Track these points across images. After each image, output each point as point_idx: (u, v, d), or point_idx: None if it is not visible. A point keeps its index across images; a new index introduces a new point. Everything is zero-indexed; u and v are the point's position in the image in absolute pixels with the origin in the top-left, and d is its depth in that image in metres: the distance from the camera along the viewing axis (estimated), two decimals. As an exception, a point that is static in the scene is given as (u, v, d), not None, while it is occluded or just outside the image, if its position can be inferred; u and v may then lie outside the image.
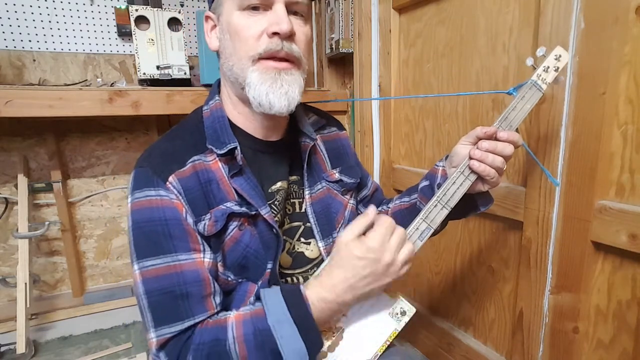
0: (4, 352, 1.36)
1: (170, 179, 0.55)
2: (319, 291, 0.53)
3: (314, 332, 0.52)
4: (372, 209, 0.57)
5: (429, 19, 1.15)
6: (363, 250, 0.53)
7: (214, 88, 0.68)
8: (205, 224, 0.56)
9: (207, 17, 0.64)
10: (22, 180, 1.50)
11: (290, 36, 0.56)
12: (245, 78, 0.57)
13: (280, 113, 0.57)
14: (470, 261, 1.13)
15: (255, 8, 0.56)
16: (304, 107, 0.76)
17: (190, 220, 0.55)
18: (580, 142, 0.77)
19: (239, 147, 0.59)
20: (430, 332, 1.29)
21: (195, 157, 0.59)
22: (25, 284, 1.40)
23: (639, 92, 0.70)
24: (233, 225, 0.59)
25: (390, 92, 1.33)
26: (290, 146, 0.69)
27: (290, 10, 0.57)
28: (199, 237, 0.56)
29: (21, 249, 1.44)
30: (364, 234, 0.55)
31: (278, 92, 0.56)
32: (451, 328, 1.22)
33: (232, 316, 0.54)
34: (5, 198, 1.55)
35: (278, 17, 0.55)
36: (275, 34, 0.55)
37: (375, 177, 1.46)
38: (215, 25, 0.63)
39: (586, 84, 0.75)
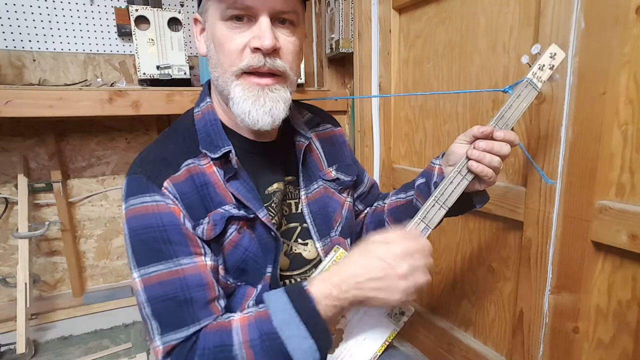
0: (4, 352, 1.36)
1: (166, 184, 0.54)
2: (324, 286, 0.51)
3: (322, 327, 0.49)
4: (418, 231, 0.59)
5: (429, 19, 1.15)
6: (384, 252, 0.52)
7: (205, 89, 0.66)
8: (203, 228, 0.55)
9: (196, 20, 0.61)
10: (22, 180, 1.50)
11: (274, 51, 0.54)
12: (229, 92, 0.56)
13: (264, 129, 0.57)
14: (471, 261, 1.13)
15: (239, 18, 0.54)
16: (297, 106, 0.75)
17: (188, 224, 0.54)
18: (580, 142, 0.77)
19: (233, 151, 0.58)
20: (430, 332, 1.29)
21: (189, 161, 0.57)
22: (25, 284, 1.40)
23: (639, 92, 0.70)
24: (232, 228, 0.58)
25: (390, 92, 1.33)
26: (284, 146, 0.68)
27: (277, 19, 0.54)
28: (199, 241, 0.55)
29: (21, 249, 1.44)
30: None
31: (261, 110, 0.55)
32: (451, 328, 1.22)
33: (236, 319, 0.52)
34: (5, 198, 1.55)
35: (260, 31, 0.52)
36: (257, 49, 0.53)
37: (375, 177, 1.46)
38: (203, 29, 0.60)
39: (586, 83, 0.75)
